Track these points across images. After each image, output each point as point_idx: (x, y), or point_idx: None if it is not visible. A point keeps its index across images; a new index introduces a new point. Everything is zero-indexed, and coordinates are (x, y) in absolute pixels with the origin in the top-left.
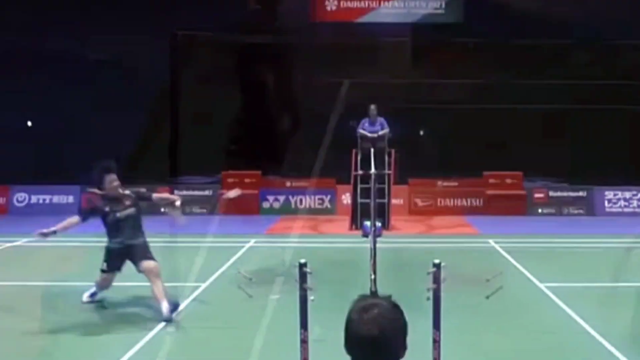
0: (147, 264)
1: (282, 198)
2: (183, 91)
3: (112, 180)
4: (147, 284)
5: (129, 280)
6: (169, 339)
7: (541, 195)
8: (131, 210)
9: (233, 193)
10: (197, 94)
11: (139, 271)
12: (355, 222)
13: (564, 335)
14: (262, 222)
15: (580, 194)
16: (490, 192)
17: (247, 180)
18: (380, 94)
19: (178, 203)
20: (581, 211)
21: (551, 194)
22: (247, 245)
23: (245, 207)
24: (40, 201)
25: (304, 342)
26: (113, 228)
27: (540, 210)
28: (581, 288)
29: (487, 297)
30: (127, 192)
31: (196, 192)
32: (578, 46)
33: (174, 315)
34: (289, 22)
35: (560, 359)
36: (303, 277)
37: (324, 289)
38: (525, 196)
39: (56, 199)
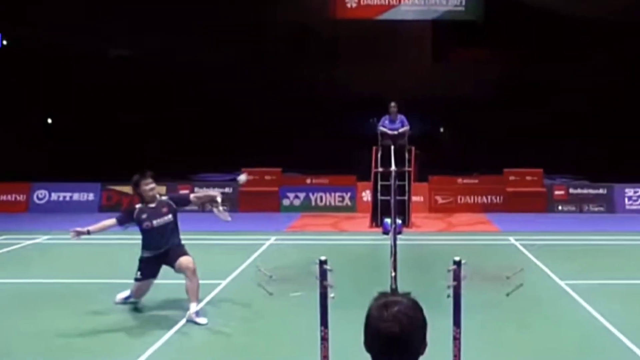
0: (182, 260)
1: (302, 195)
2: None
3: (148, 184)
4: (176, 281)
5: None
6: (190, 337)
7: (561, 192)
8: (168, 218)
9: (243, 177)
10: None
11: (176, 271)
12: (376, 219)
13: (584, 332)
14: (283, 220)
15: (601, 191)
16: (510, 189)
17: (267, 177)
18: (401, 91)
19: (219, 199)
20: (601, 208)
21: (571, 191)
22: (268, 243)
23: (265, 205)
24: (61, 199)
25: (324, 339)
26: (149, 236)
27: (560, 208)
28: (601, 285)
29: (508, 295)
30: (164, 198)
31: (217, 190)
32: (598, 45)
33: (199, 320)
34: (311, 18)
35: (581, 357)
36: (323, 274)
37: (345, 286)
38: (545, 193)
39: (76, 196)
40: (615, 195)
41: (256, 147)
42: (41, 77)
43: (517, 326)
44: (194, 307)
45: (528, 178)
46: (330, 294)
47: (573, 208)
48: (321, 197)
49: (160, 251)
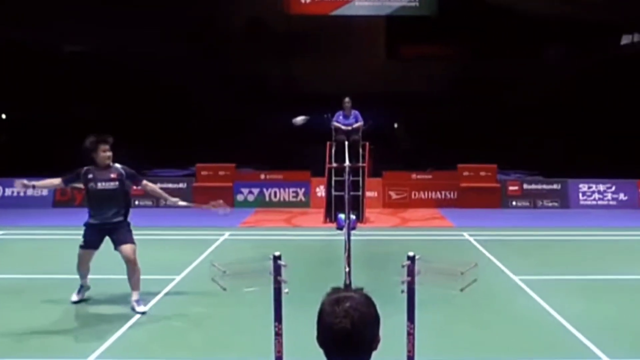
0: (126, 249)
1: (256, 191)
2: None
3: (105, 150)
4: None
5: (108, 273)
6: (143, 333)
7: (515, 188)
8: (114, 184)
9: (222, 210)
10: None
11: (116, 249)
12: (330, 215)
13: (538, 327)
14: (237, 215)
15: (555, 186)
16: (464, 184)
17: (221, 172)
18: (355, 87)
19: (181, 202)
20: (555, 204)
21: (525, 186)
22: (222, 238)
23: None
24: (15, 194)
25: (277, 335)
26: (93, 200)
27: (514, 203)
28: (555, 280)
29: (462, 290)
30: (117, 165)
31: (170, 185)
32: (551, 40)
33: (139, 308)
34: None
35: (535, 351)
36: (277, 269)
37: (298, 281)
38: (499, 189)
39: (30, 191)
40: (569, 191)
41: (210, 142)
42: None
43: (471, 322)
44: (135, 295)
45: (482, 174)
46: (284, 290)
47: (527, 203)
48: (275, 193)
49: (105, 221)
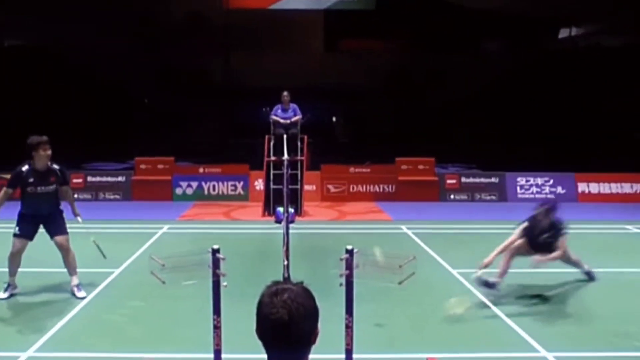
0: (59, 239)
1: (195, 184)
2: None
3: (46, 149)
4: (64, 269)
5: (43, 267)
6: (82, 325)
7: (453, 181)
8: (53, 187)
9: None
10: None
11: (51, 239)
12: (268, 208)
13: (476, 320)
14: (175, 208)
15: (493, 180)
16: (402, 178)
17: (160, 166)
18: (293, 80)
19: (80, 219)
20: (493, 197)
21: (463, 180)
22: (161, 232)
23: (158, 193)
24: None
25: (216, 327)
26: (30, 200)
27: (452, 196)
28: (492, 274)
29: (400, 283)
30: (55, 166)
31: (109, 178)
32: (488, 34)
33: (79, 293)
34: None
35: (473, 344)
36: (216, 263)
37: (237, 275)
38: (437, 182)
39: None
40: (507, 184)
41: (149, 136)
42: None
43: (409, 315)
44: (74, 280)
45: (420, 167)
46: (223, 283)
47: (465, 197)
48: (214, 186)
49: (39, 213)
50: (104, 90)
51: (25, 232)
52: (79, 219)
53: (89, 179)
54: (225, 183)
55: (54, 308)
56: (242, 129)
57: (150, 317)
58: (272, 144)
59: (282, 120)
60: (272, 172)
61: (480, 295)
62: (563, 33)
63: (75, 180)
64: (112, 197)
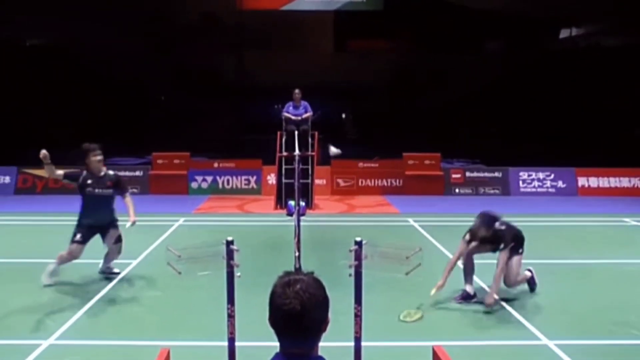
0: (114, 247)
1: (209, 178)
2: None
3: (96, 155)
4: (89, 260)
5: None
6: (100, 316)
7: (458, 175)
8: (109, 191)
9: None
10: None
11: (104, 243)
12: (280, 201)
13: (480, 310)
14: (191, 202)
15: (496, 174)
16: (409, 172)
17: (176, 161)
18: (304, 79)
19: (128, 225)
20: (497, 191)
21: (468, 174)
22: (177, 224)
23: (174, 187)
24: None
25: (230, 316)
26: (89, 202)
27: (457, 190)
28: (495, 264)
29: (407, 274)
30: (110, 172)
31: (127, 173)
32: (491, 34)
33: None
34: (218, 8)
35: (477, 332)
36: (230, 254)
37: (250, 265)
38: (442, 177)
39: None
40: (510, 179)
41: (166, 132)
42: None
43: (416, 304)
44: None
45: (426, 162)
46: (237, 273)
47: (469, 191)
48: (228, 180)
49: (98, 222)
50: (122, 89)
51: (84, 239)
52: (127, 224)
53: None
54: (239, 177)
55: (75, 298)
56: (255, 126)
57: (167, 307)
58: (284, 139)
59: (293, 117)
60: (284, 166)
61: (482, 284)
62: (563, 33)
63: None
64: (130, 190)
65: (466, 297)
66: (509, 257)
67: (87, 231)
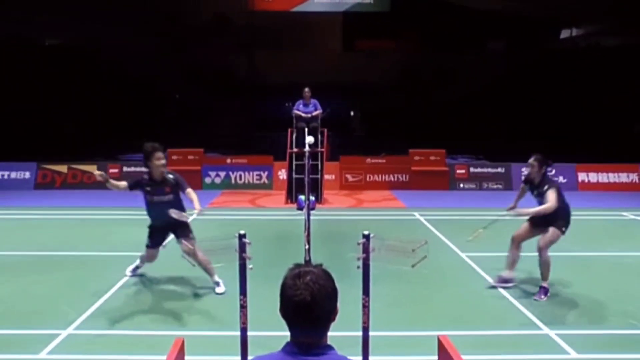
0: (182, 247)
1: (223, 174)
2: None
3: (159, 158)
4: (105, 253)
5: (83, 250)
6: (118, 305)
7: (462, 171)
8: (168, 197)
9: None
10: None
11: (177, 243)
12: (291, 196)
13: (484, 300)
14: (205, 196)
15: (499, 170)
16: (415, 168)
17: (190, 157)
18: (314, 78)
19: (193, 217)
20: (500, 186)
21: (472, 170)
22: (191, 218)
23: (188, 182)
24: None
25: (243, 307)
26: (149, 208)
27: (461, 185)
28: (499, 257)
29: (413, 266)
30: (170, 176)
31: (143, 168)
32: (494, 34)
33: (218, 289)
34: (230, 9)
35: (481, 322)
36: (242, 247)
37: (262, 258)
38: (447, 172)
39: (14, 174)
40: (512, 174)
41: (180, 129)
42: None
43: (422, 295)
44: (213, 278)
45: (432, 158)
46: (249, 265)
47: (473, 185)
48: (240, 176)
49: (163, 224)
50: (138, 87)
51: (155, 243)
52: (193, 215)
53: (125, 169)
54: (251, 173)
55: (93, 289)
56: (266, 123)
57: (181, 297)
58: (294, 136)
59: (303, 115)
60: (294, 162)
61: (486, 276)
62: (564, 33)
63: (111, 170)
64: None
65: (504, 281)
66: (552, 230)
67: (155, 234)
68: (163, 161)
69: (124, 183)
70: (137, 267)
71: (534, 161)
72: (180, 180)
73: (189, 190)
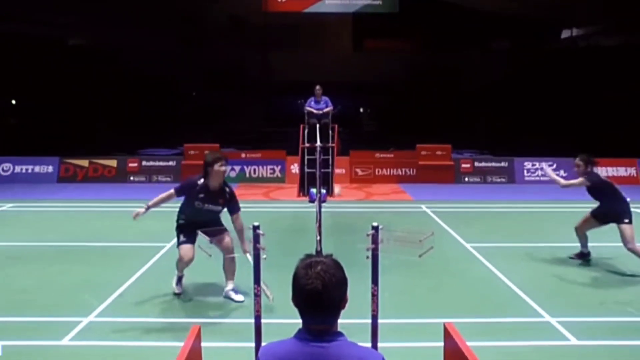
0: (226, 242)
1: (238, 168)
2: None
3: (222, 165)
4: (125, 244)
5: (105, 241)
6: (136, 294)
7: (467, 165)
8: (219, 208)
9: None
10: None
11: (216, 245)
12: (303, 189)
13: (487, 289)
14: None
15: (502, 164)
16: (422, 162)
17: (206, 152)
18: (325, 76)
19: (248, 254)
20: (503, 179)
21: (476, 164)
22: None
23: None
24: (23, 171)
25: (256, 295)
26: (195, 212)
27: (466, 179)
28: (502, 247)
29: (420, 256)
30: (227, 188)
31: (161, 163)
32: (498, 34)
33: (236, 297)
34: (245, 11)
35: (485, 310)
36: (256, 238)
37: (275, 248)
38: (453, 166)
39: (37, 168)
40: (515, 168)
41: (197, 125)
42: (5, 63)
43: (428, 284)
44: (230, 284)
45: (438, 153)
46: (263, 255)
47: (478, 179)
48: (255, 170)
49: (202, 225)
50: (156, 85)
51: (190, 239)
52: (248, 256)
53: (144, 163)
54: (265, 167)
55: (113, 278)
56: (279, 119)
57: (197, 287)
58: (306, 132)
59: (315, 111)
60: (306, 157)
61: (490, 265)
62: (565, 34)
63: (131, 165)
64: (164, 179)
65: (582, 256)
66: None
67: (188, 230)
68: (224, 169)
69: (167, 193)
70: (179, 278)
71: (580, 161)
72: (234, 198)
73: (240, 218)
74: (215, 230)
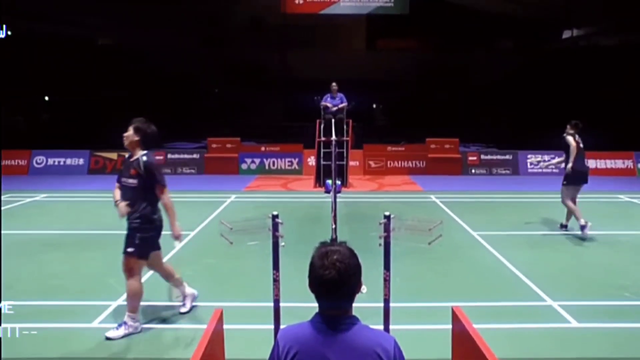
0: (124, 259)
1: (257, 160)
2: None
3: (128, 129)
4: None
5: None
6: (161, 280)
7: (474, 158)
8: (133, 182)
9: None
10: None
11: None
12: (319, 180)
13: (493, 275)
14: (241, 181)
15: (507, 157)
16: (431, 155)
17: (228, 145)
18: (340, 74)
19: (177, 241)
20: (508, 171)
21: (482, 157)
22: (229, 200)
23: (227, 168)
24: (56, 163)
25: (275, 280)
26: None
27: (473, 171)
28: (507, 235)
29: (429, 244)
30: (144, 158)
31: (186, 156)
32: (503, 35)
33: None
34: (264, 12)
35: (491, 295)
36: (275, 226)
37: (293, 236)
38: (460, 159)
39: (69, 161)
40: (519, 161)
41: (219, 120)
42: (39, 61)
43: (437, 270)
44: (182, 290)
45: (446, 146)
46: (281, 243)
47: (484, 171)
48: (273, 162)
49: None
50: (180, 82)
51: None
52: (176, 243)
53: (169, 156)
54: (283, 159)
55: None
56: (297, 115)
57: (220, 272)
58: (322, 127)
59: (330, 107)
60: (322, 150)
61: (496, 252)
62: (566, 34)
63: (157, 158)
64: (188, 171)
65: (583, 227)
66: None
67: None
68: (125, 133)
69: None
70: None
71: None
72: (151, 167)
73: (164, 194)
74: (125, 242)
